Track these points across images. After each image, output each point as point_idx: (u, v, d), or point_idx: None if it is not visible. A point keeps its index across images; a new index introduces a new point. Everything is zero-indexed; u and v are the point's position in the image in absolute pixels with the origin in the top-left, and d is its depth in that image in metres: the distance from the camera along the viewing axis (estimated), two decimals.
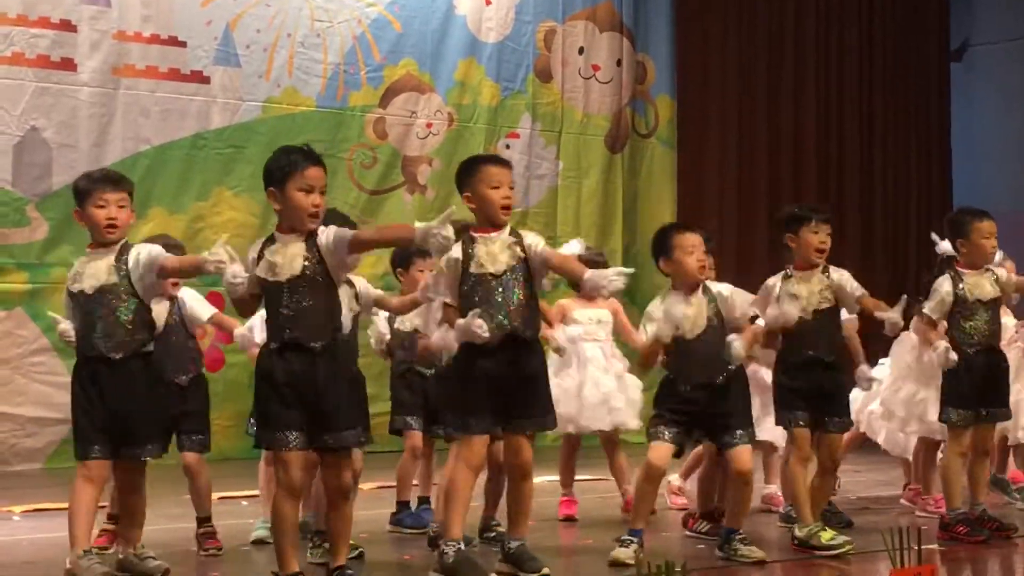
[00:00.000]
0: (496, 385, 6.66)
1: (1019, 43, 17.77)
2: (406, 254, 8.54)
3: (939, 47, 18.51)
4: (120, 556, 6.90)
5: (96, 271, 6.72)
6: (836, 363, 7.78)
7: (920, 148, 18.25)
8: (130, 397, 6.65)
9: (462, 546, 6.66)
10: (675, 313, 7.24)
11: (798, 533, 7.57)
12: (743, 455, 7.32)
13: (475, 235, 6.78)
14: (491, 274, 6.67)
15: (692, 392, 7.30)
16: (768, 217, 15.63)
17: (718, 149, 16.48)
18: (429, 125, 14.33)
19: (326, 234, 6.16)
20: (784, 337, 7.71)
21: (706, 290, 7.41)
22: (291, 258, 6.13)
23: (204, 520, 7.75)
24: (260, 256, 6.17)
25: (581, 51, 15.36)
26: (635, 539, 7.19)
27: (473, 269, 6.69)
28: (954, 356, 7.81)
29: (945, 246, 8.51)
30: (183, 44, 12.95)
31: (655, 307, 7.39)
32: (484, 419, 6.68)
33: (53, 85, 12.29)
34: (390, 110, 14.14)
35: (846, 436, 9.89)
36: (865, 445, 10.01)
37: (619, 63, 15.59)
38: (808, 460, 7.77)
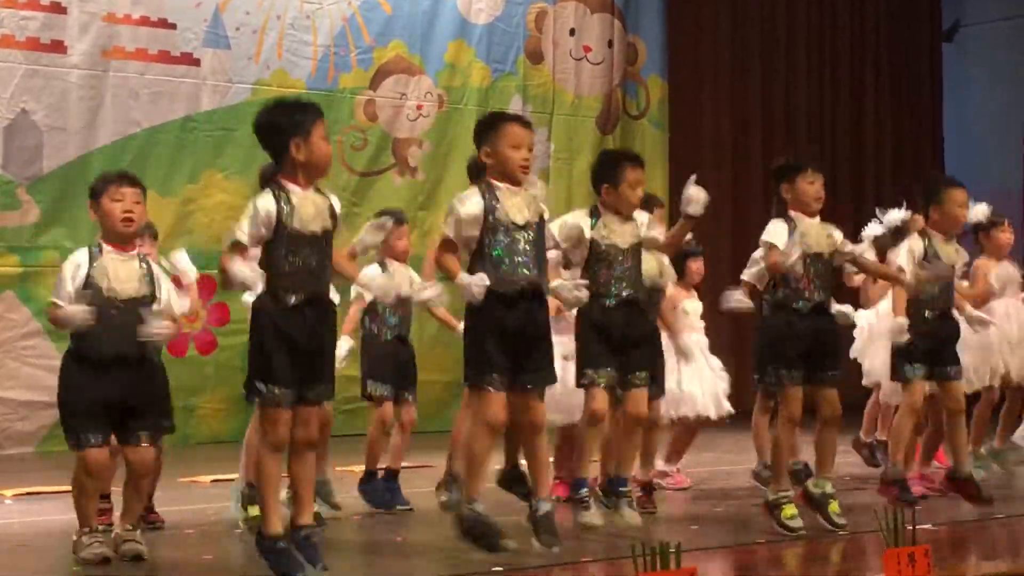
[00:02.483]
0: (512, 338, 6.65)
1: (1010, 23, 17.80)
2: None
3: (930, 28, 18.54)
4: (115, 531, 6.99)
5: (128, 276, 6.69)
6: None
7: (912, 128, 18.27)
8: (144, 386, 6.76)
9: (479, 508, 6.64)
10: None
11: (771, 496, 7.58)
12: (640, 399, 7.48)
13: (496, 184, 6.76)
14: (515, 223, 6.67)
15: (614, 311, 7.35)
16: (762, 197, 15.64)
17: (710, 130, 16.49)
18: (419, 107, 14.31)
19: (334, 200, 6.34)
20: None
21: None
22: (319, 211, 6.17)
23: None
24: (279, 204, 6.10)
25: (572, 32, 15.33)
26: (585, 489, 7.34)
27: (499, 216, 6.66)
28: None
29: (893, 216, 8.67)
30: (173, 26, 12.90)
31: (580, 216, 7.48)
32: (503, 375, 6.65)
33: (43, 68, 12.24)
34: (380, 92, 14.11)
35: (873, 405, 9.94)
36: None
37: (610, 44, 15.56)
38: (796, 421, 7.70)
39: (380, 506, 8.36)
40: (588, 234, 7.38)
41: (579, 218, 7.43)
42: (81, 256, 6.71)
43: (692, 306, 9.24)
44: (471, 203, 6.69)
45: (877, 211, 8.90)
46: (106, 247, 6.72)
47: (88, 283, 6.60)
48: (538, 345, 6.78)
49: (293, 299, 6.10)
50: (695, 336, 9.10)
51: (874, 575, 6.51)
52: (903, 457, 8.33)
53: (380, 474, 8.50)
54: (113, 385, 6.62)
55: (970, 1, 18.57)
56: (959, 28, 18.54)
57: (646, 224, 7.56)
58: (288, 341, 6.09)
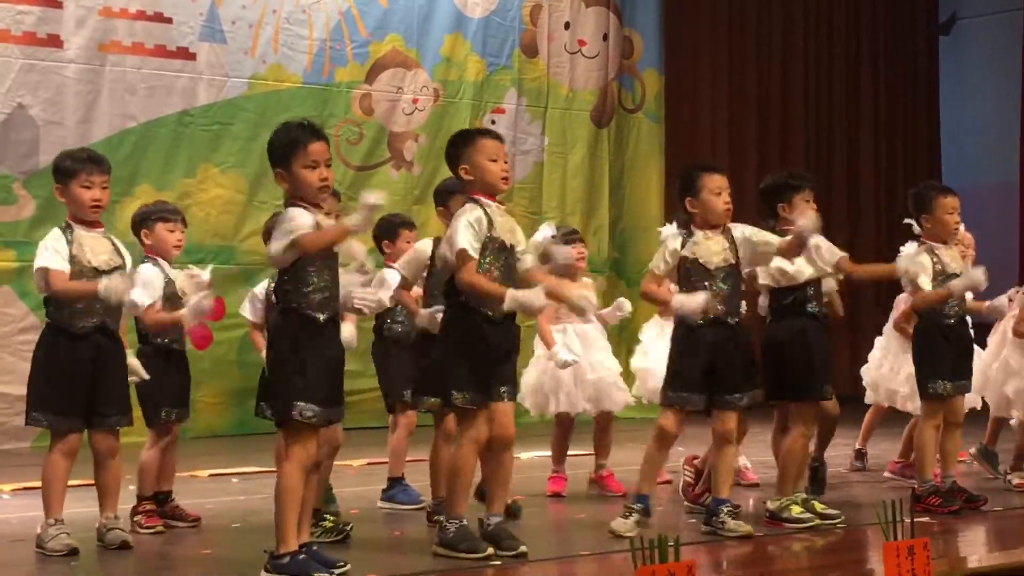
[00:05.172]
0: (495, 358, 6.66)
1: (1006, 16, 17.79)
2: (392, 225, 8.55)
3: (927, 21, 18.53)
4: (98, 523, 7.07)
5: (103, 248, 6.92)
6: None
7: (909, 121, 18.27)
8: (116, 368, 6.97)
9: (464, 522, 6.64)
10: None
11: (770, 505, 7.61)
12: (730, 416, 7.35)
13: (484, 200, 6.73)
14: (510, 245, 6.70)
15: (706, 330, 7.25)
16: (757, 191, 15.63)
17: (706, 123, 16.48)
18: (415, 101, 14.29)
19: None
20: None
21: (727, 232, 7.46)
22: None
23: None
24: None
25: (567, 26, 15.31)
26: (638, 507, 7.24)
27: (496, 234, 6.65)
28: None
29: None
30: (169, 20, 12.87)
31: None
32: (484, 392, 6.64)
33: (39, 62, 12.21)
34: (376, 86, 14.08)
35: (869, 413, 9.90)
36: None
37: (605, 37, 15.54)
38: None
39: (407, 503, 8.26)
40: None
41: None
42: (57, 234, 6.94)
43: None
44: (481, 218, 6.64)
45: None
46: (76, 226, 6.95)
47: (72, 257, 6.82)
48: (512, 359, 6.81)
49: (325, 315, 6.08)
50: (587, 327, 8.80)
51: (874, 568, 6.53)
52: (932, 469, 8.17)
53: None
54: (88, 363, 6.81)
55: None
56: (956, 21, 18.54)
57: (749, 237, 7.49)
58: (327, 358, 6.07)
